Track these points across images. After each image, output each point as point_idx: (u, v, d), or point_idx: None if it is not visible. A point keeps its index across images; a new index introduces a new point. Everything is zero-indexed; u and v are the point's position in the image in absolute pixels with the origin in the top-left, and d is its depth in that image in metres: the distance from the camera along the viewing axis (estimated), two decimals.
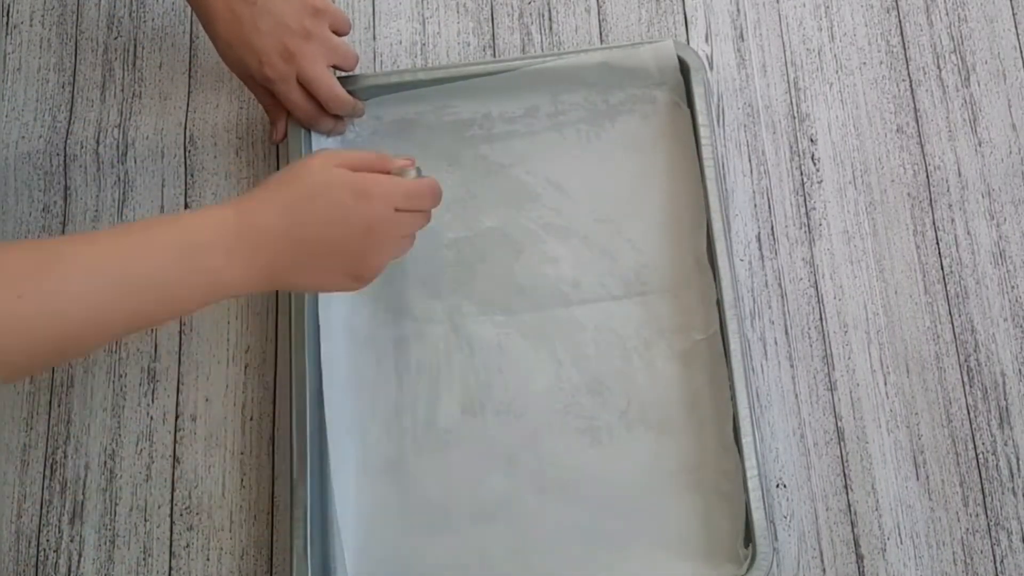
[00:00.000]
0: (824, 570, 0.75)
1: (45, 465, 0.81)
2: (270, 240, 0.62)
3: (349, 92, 0.80)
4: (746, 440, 0.73)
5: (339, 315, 0.80)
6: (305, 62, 0.76)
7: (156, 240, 0.60)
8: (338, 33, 0.79)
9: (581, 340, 0.79)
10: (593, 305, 0.79)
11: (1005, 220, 0.82)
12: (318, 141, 0.83)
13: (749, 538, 0.72)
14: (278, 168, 0.86)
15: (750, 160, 0.84)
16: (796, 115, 0.85)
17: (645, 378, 0.77)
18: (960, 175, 0.83)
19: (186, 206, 0.86)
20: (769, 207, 0.83)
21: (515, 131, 0.83)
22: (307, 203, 0.63)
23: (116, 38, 0.91)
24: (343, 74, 0.81)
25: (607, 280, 0.80)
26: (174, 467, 0.81)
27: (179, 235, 0.61)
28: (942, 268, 0.81)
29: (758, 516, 0.71)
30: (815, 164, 0.84)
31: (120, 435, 0.82)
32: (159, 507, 0.80)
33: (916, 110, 0.85)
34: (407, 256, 0.81)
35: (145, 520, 0.80)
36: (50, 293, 0.56)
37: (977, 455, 0.77)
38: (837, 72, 0.86)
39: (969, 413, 0.78)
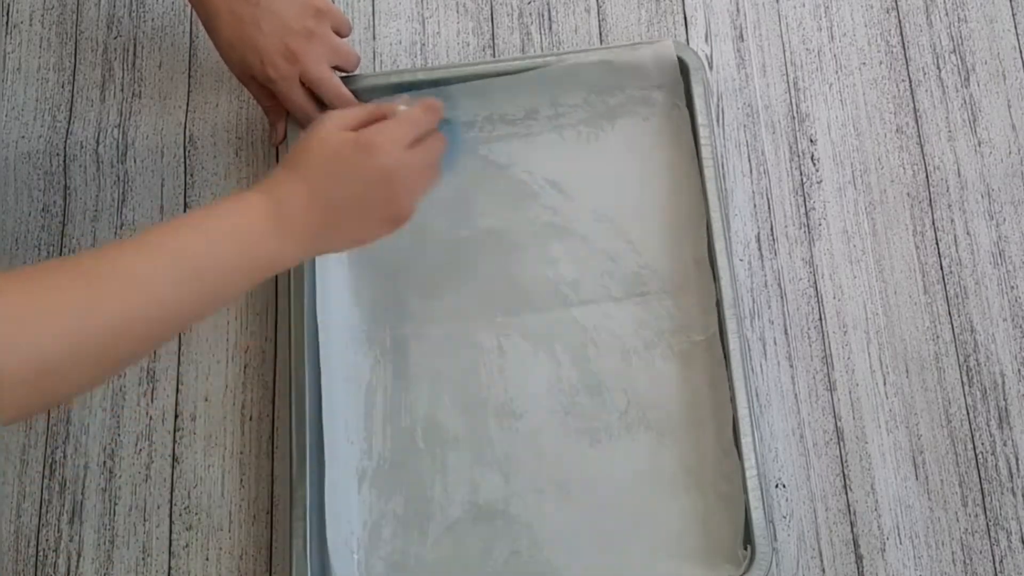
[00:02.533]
0: (823, 570, 0.75)
1: (44, 465, 0.81)
2: (298, 212, 0.64)
3: (355, 89, 0.80)
4: (745, 440, 0.73)
5: (338, 315, 0.80)
6: (308, 62, 0.76)
7: (210, 233, 0.63)
8: (339, 34, 0.79)
9: (581, 341, 0.78)
10: (593, 306, 0.79)
11: (1004, 220, 0.82)
12: None
13: (748, 539, 0.72)
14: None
15: (750, 160, 0.84)
16: (796, 115, 0.85)
17: (645, 379, 0.77)
18: (960, 175, 0.83)
19: (185, 206, 0.86)
20: (769, 207, 0.83)
21: (515, 132, 0.83)
22: (320, 169, 0.65)
23: (116, 38, 0.91)
24: (343, 74, 0.81)
25: (607, 281, 0.80)
26: (173, 467, 0.81)
27: (226, 224, 0.63)
28: (941, 268, 0.81)
29: (757, 516, 0.71)
30: (815, 164, 0.84)
31: (119, 435, 0.82)
32: (158, 507, 0.80)
33: (916, 110, 0.85)
34: (407, 256, 0.81)
35: (144, 520, 0.80)
36: (121, 305, 0.58)
37: (976, 455, 0.77)
38: (837, 72, 0.86)
39: (968, 413, 0.78)
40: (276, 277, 0.83)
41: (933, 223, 0.82)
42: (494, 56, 0.88)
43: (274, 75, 0.76)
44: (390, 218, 0.68)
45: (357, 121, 0.68)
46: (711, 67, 0.86)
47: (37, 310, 0.55)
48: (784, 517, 0.76)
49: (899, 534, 0.76)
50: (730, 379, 0.74)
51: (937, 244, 0.81)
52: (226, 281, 0.63)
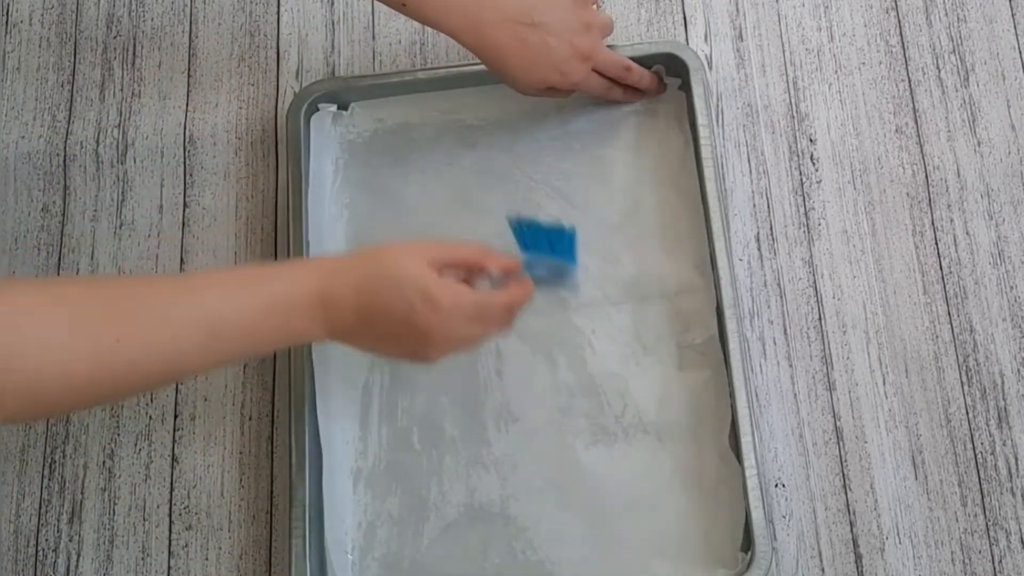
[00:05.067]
0: (823, 570, 0.75)
1: (44, 465, 0.81)
2: (341, 310, 0.64)
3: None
4: (745, 440, 0.73)
5: None
6: (598, 53, 0.77)
7: (248, 297, 0.63)
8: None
9: (579, 344, 0.78)
10: (592, 309, 0.79)
11: (1004, 220, 0.82)
12: (318, 136, 0.83)
13: (747, 539, 0.72)
14: (276, 167, 0.87)
15: (749, 160, 0.84)
16: (795, 115, 0.85)
17: (643, 382, 0.77)
18: (959, 175, 0.83)
19: (185, 206, 0.86)
20: (768, 207, 0.83)
21: (518, 136, 0.83)
22: (378, 286, 0.65)
23: (115, 37, 0.91)
24: None
25: (606, 285, 0.80)
26: (173, 467, 0.81)
27: (268, 294, 0.63)
28: (941, 268, 0.81)
29: (757, 515, 0.71)
30: (814, 164, 0.84)
31: (119, 434, 0.82)
32: (158, 507, 0.80)
33: (915, 110, 0.85)
34: None
35: (144, 520, 0.80)
36: (148, 342, 0.59)
37: (976, 455, 0.77)
38: (836, 72, 0.86)
39: (968, 413, 0.78)
40: None
41: (932, 223, 0.82)
42: None
43: (576, 79, 0.77)
44: (412, 358, 0.69)
45: (447, 258, 0.67)
46: (710, 67, 0.86)
47: (46, 332, 0.56)
48: (784, 517, 0.76)
49: (898, 534, 0.76)
50: (730, 379, 0.74)
51: (936, 244, 0.81)
52: (251, 344, 0.63)
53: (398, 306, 0.65)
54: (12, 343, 0.55)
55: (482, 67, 0.82)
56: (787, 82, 0.86)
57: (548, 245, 0.75)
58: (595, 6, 0.78)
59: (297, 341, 0.67)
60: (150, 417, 0.82)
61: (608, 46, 0.81)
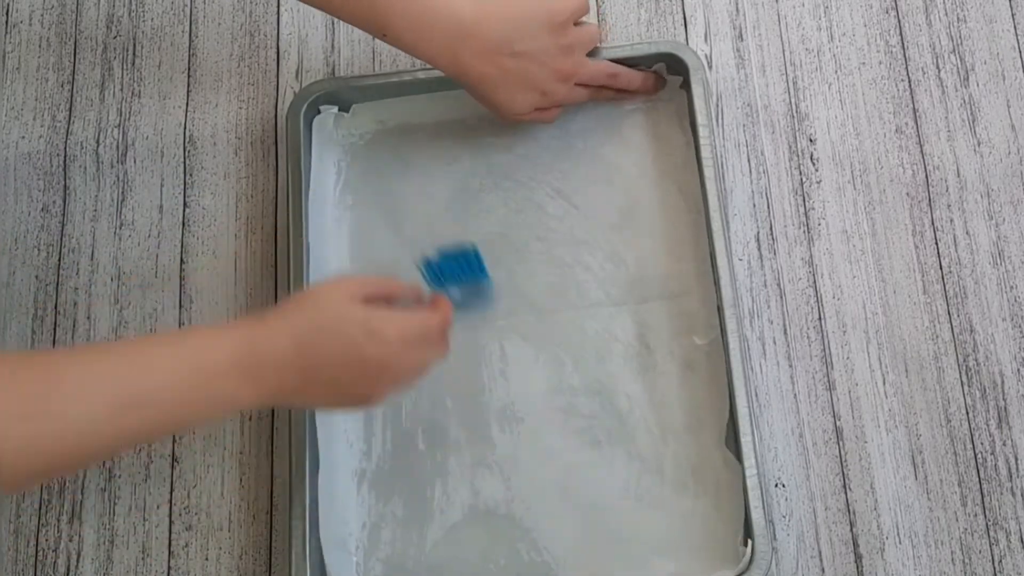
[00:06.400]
0: (823, 570, 0.75)
1: None
2: (279, 368, 0.62)
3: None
4: (745, 439, 0.73)
5: None
6: (580, 71, 0.78)
7: (162, 362, 0.60)
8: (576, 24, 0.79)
9: (582, 343, 0.78)
10: (595, 309, 0.79)
11: (1004, 220, 0.82)
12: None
13: (747, 539, 0.72)
14: (276, 167, 0.87)
15: (749, 160, 0.84)
16: (795, 115, 0.85)
17: (645, 382, 0.77)
18: (959, 175, 0.83)
19: (185, 206, 0.86)
20: (768, 207, 0.83)
21: (518, 136, 0.83)
22: (318, 335, 0.63)
23: (115, 37, 0.91)
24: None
25: (609, 285, 0.80)
26: (173, 467, 0.81)
27: (187, 359, 0.61)
28: (941, 268, 0.81)
29: (757, 515, 0.71)
30: (814, 164, 0.84)
31: None
32: (158, 507, 0.80)
33: (915, 110, 0.85)
34: (410, 258, 0.81)
35: (144, 520, 0.80)
36: (55, 415, 0.56)
37: (976, 455, 0.77)
38: (836, 72, 0.86)
39: (968, 413, 0.78)
40: (276, 275, 0.83)
41: (932, 223, 0.82)
42: None
43: (561, 98, 0.78)
44: (361, 401, 0.66)
45: (371, 291, 0.66)
46: (710, 67, 0.86)
47: None
48: (783, 517, 0.76)
49: (898, 534, 0.76)
50: (729, 379, 0.74)
51: (936, 244, 0.81)
52: (173, 414, 0.60)
53: (345, 349, 0.63)
54: None
55: None
56: (787, 82, 0.86)
57: (457, 270, 0.74)
58: (578, 23, 0.78)
59: (229, 408, 0.62)
60: None
61: (607, 47, 0.81)
